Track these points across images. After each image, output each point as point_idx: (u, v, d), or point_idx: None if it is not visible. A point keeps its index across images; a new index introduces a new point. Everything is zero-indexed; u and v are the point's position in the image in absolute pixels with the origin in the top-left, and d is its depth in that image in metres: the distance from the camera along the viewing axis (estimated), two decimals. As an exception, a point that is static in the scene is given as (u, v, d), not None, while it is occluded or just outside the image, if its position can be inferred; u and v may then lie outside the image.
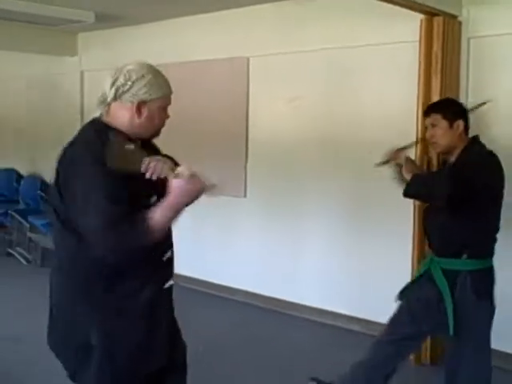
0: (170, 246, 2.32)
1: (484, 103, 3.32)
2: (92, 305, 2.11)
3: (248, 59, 5.27)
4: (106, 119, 2.16)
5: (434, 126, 2.94)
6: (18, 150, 7.88)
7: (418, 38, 3.96)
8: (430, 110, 3.02)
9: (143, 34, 6.10)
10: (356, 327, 4.69)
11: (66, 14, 5.42)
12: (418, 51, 3.96)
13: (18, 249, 6.97)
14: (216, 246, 5.65)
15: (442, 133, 2.91)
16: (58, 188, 2.06)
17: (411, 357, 4.08)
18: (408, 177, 2.95)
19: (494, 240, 2.95)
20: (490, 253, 2.94)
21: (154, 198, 2.09)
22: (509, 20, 3.86)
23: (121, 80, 2.08)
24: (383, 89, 4.47)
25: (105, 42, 6.50)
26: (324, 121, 4.84)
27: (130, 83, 2.07)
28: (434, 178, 3.07)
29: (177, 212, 2.05)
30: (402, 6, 3.72)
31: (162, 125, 2.21)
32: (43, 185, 7.14)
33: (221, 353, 4.28)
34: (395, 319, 3.10)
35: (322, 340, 4.59)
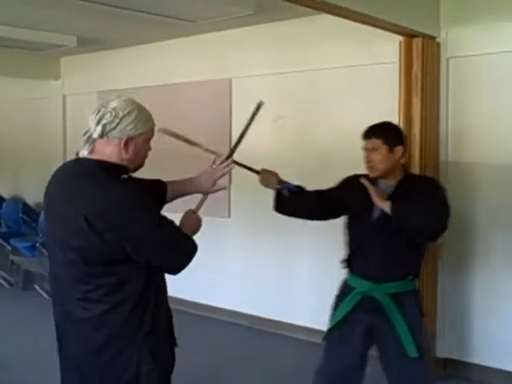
0: None
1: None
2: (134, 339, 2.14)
3: (230, 81, 5.29)
4: (92, 157, 2.15)
5: (373, 150, 2.85)
6: (0, 172, 7.80)
7: (397, 59, 4.00)
8: (371, 133, 2.90)
9: (125, 58, 6.11)
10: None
11: (49, 39, 5.42)
12: (398, 72, 3.99)
13: (0, 272, 6.86)
14: (201, 267, 5.54)
15: (382, 158, 2.83)
16: (94, 231, 2.01)
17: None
18: (385, 207, 2.74)
19: None
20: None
21: None
22: (486, 40, 3.91)
23: (107, 117, 2.08)
24: (364, 109, 4.49)
25: (87, 65, 6.49)
26: (307, 141, 4.86)
27: (117, 120, 2.08)
28: (421, 211, 2.75)
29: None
30: (381, 28, 3.75)
31: (146, 157, 2.25)
32: (25, 207, 7.06)
33: (208, 374, 4.23)
34: None
35: (311, 359, 4.52)
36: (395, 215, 2.72)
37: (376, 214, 2.85)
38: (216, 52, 5.33)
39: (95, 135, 2.11)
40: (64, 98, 6.83)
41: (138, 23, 4.90)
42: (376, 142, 2.85)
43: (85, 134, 2.15)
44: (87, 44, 5.78)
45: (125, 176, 2.12)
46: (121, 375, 2.14)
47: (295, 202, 3.21)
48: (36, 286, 6.38)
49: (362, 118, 4.47)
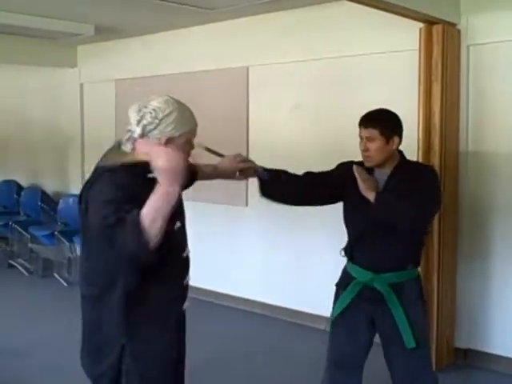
0: (187, 243, 2.39)
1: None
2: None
3: (247, 69, 5.25)
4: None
5: (370, 139, 2.76)
6: (19, 161, 7.85)
7: (417, 47, 3.94)
8: (367, 123, 2.79)
9: (142, 46, 6.09)
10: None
11: (66, 28, 5.42)
12: (418, 59, 3.93)
13: (19, 260, 6.93)
14: (218, 256, 5.60)
15: (378, 148, 2.75)
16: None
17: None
18: (370, 196, 2.71)
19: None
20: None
21: (178, 224, 2.23)
22: (507, 27, 3.85)
23: (147, 118, 2.07)
24: (384, 97, 4.38)
25: (104, 53, 6.48)
26: (325, 128, 4.81)
27: (156, 121, 2.07)
28: (403, 206, 2.68)
29: (168, 200, 1.91)
30: (401, 15, 3.70)
31: (188, 156, 2.22)
32: (44, 196, 7.10)
33: (222, 363, 4.23)
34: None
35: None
36: (375, 207, 2.69)
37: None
38: (233, 40, 5.29)
39: (135, 135, 2.10)
40: (81, 85, 6.83)
41: (155, 11, 4.88)
42: (373, 132, 2.75)
43: (128, 131, 2.14)
44: (104, 32, 5.76)
45: (150, 175, 1.97)
46: (104, 363, 2.16)
47: (284, 186, 3.02)
48: (55, 274, 6.42)
49: (382, 106, 4.44)
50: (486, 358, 4.10)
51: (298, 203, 3.17)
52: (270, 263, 5.22)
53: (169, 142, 2.09)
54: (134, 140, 2.12)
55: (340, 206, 4.65)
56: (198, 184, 5.46)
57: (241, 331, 4.91)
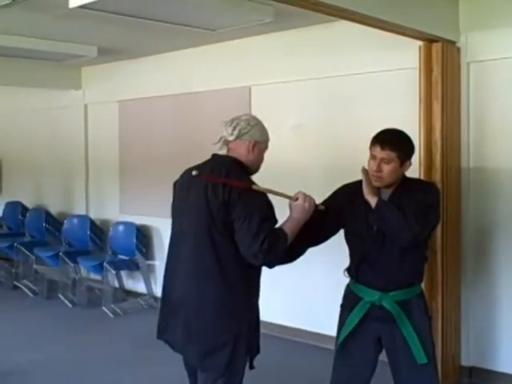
0: None
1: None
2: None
3: (250, 88, 5.29)
4: (229, 154, 2.81)
5: (384, 161, 2.71)
6: (24, 182, 7.89)
7: (417, 65, 3.97)
8: (385, 144, 2.74)
9: (145, 67, 6.15)
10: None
11: (70, 49, 5.49)
12: (418, 77, 3.96)
13: (24, 281, 6.93)
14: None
15: (391, 171, 2.72)
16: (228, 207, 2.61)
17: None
18: (372, 201, 2.73)
19: None
20: None
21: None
22: (507, 44, 3.87)
23: (242, 124, 2.74)
24: (385, 115, 4.45)
25: (108, 75, 6.55)
26: (327, 147, 4.83)
27: (249, 127, 2.75)
28: (403, 220, 2.68)
29: (299, 226, 2.74)
30: (400, 33, 3.73)
31: (262, 162, 2.87)
32: (48, 217, 7.13)
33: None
34: None
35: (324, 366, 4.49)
36: (375, 212, 2.71)
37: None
38: (235, 60, 5.34)
39: (231, 138, 2.75)
40: (85, 107, 6.89)
41: (157, 33, 4.94)
42: (390, 155, 2.71)
43: (219, 141, 2.82)
44: (108, 54, 5.83)
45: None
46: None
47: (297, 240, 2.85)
48: (59, 295, 6.43)
49: (383, 124, 4.46)
50: (491, 376, 4.07)
51: (316, 244, 3.04)
52: (269, 280, 5.16)
53: (255, 145, 2.76)
54: (228, 142, 2.77)
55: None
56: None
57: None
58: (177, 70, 5.83)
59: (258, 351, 2.85)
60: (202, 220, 2.65)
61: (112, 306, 6.00)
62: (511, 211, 3.96)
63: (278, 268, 2.80)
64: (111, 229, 6.41)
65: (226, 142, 2.80)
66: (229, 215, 2.59)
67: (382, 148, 2.73)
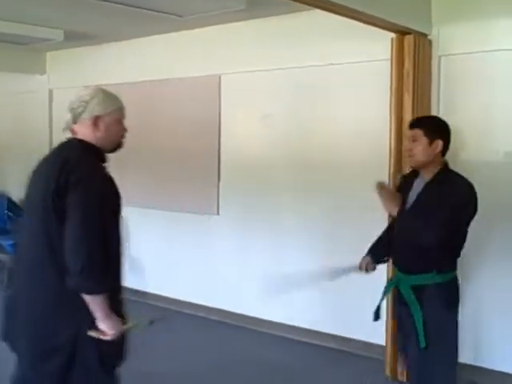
0: None
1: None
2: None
3: (219, 77, 5.22)
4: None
5: (414, 140, 2.97)
6: (-15, 169, 7.69)
7: (389, 56, 3.96)
8: (414, 124, 3.05)
9: (112, 53, 6.03)
10: (332, 344, 4.64)
11: (35, 33, 5.33)
12: (390, 69, 3.95)
13: (-16, 270, 6.76)
14: (189, 266, 5.55)
15: (421, 149, 2.94)
16: (57, 201, 2.24)
17: (387, 373, 4.05)
18: (394, 212, 2.96)
19: (459, 255, 3.03)
20: (455, 266, 3.02)
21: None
22: (478, 38, 3.87)
23: (76, 104, 2.40)
24: (355, 106, 4.45)
25: (73, 60, 6.40)
26: (296, 138, 4.80)
27: (84, 104, 2.38)
28: (422, 226, 2.85)
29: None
30: (373, 24, 3.70)
31: (122, 137, 2.52)
32: (10, 204, 6.94)
33: (194, 374, 4.17)
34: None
35: (308, 360, 4.52)
36: (398, 222, 2.99)
37: (407, 206, 2.98)
38: (205, 48, 5.26)
39: (69, 122, 2.43)
40: (50, 92, 6.74)
41: (125, 17, 4.82)
42: (417, 132, 2.96)
43: (64, 129, 2.48)
44: (74, 38, 5.68)
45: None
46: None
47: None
48: (21, 284, 6.28)
49: (354, 115, 4.49)
50: (482, 372, 4.02)
51: None
52: (243, 274, 5.16)
53: (98, 120, 2.39)
54: (70, 128, 2.44)
55: (315, 213, 4.68)
56: (168, 193, 5.47)
57: (213, 342, 4.85)
58: (144, 57, 5.73)
59: (118, 357, 2.42)
60: (39, 208, 2.31)
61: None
62: (484, 204, 3.96)
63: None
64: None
65: (70, 128, 2.45)
66: (64, 201, 2.22)
67: (411, 128, 3.03)
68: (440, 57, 4.02)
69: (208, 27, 5.11)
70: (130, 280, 6.00)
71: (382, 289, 3.81)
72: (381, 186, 3.01)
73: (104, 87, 2.46)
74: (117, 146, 2.51)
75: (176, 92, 5.56)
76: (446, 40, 3.97)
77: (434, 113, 4.03)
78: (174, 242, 5.67)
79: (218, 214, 5.32)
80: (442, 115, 4.00)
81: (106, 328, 2.24)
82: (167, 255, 5.72)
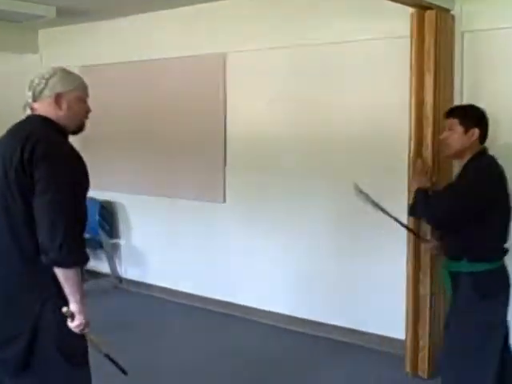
0: None
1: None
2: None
3: (225, 55, 5.10)
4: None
5: (450, 129, 3.11)
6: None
7: (408, 33, 3.83)
8: (449, 113, 3.18)
9: (108, 31, 5.90)
10: (345, 338, 4.57)
11: (26, 9, 5.19)
12: (410, 47, 3.82)
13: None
14: (194, 256, 5.46)
15: (456, 137, 3.08)
16: (22, 176, 2.21)
17: (407, 369, 3.97)
18: (412, 188, 3.25)
19: (497, 245, 3.07)
20: (492, 256, 3.04)
21: None
22: (504, 13, 3.74)
23: (35, 81, 2.39)
24: (372, 87, 4.33)
25: (67, 38, 6.25)
26: (307, 120, 4.69)
27: (44, 81, 2.37)
28: (434, 200, 3.21)
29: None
30: (391, -1, 3.57)
31: (85, 117, 2.52)
32: None
33: (199, 364, 4.15)
34: None
35: (320, 355, 4.44)
36: (410, 205, 3.34)
37: None
38: (209, 24, 5.12)
39: (30, 100, 2.40)
40: (43, 72, 6.59)
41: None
42: (452, 122, 3.10)
43: (24, 108, 2.44)
44: (67, 15, 5.53)
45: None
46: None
47: None
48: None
49: (370, 97, 4.36)
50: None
51: None
52: (252, 267, 5.08)
53: (59, 97, 2.38)
54: (30, 106, 2.41)
55: (328, 198, 4.58)
56: (170, 179, 5.27)
57: (217, 334, 4.78)
58: (145, 34, 5.58)
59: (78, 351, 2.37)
60: (2, 185, 2.28)
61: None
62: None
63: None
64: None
65: (29, 106, 2.43)
66: (29, 176, 2.20)
67: (447, 117, 3.17)
68: (463, 33, 3.90)
69: (212, 2, 4.96)
70: (130, 271, 6.09)
71: (398, 280, 3.97)
72: (418, 163, 3.44)
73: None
74: (79, 126, 2.51)
75: (178, 71, 5.43)
76: (470, 15, 3.85)
77: (456, 94, 3.94)
78: (176, 233, 5.57)
79: (224, 201, 5.22)
80: (466, 96, 3.94)
81: (76, 310, 2.24)
82: (170, 245, 5.63)
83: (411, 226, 3.71)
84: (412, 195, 3.42)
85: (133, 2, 5.12)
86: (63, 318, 2.23)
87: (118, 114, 5.87)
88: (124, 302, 5.55)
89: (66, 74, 2.43)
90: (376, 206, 3.37)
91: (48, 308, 2.24)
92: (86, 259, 2.27)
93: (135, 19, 5.61)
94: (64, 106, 2.38)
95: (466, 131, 3.06)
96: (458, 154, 3.13)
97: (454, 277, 3.07)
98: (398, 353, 4.08)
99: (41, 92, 2.37)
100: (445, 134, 3.16)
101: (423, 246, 3.74)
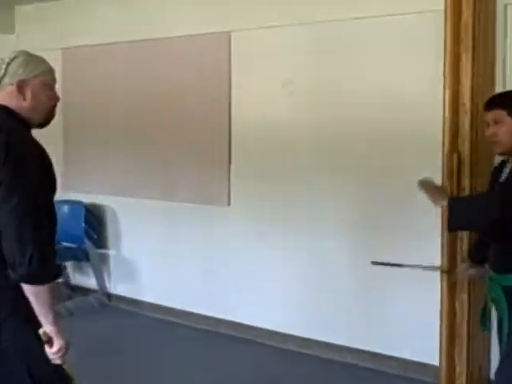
0: None
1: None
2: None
3: (229, 35, 5.17)
4: None
5: (496, 122, 3.02)
6: None
7: (442, 6, 3.82)
8: (492, 103, 3.09)
9: (97, 5, 5.98)
10: (368, 363, 4.61)
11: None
12: (444, 22, 3.83)
13: None
14: (193, 269, 5.51)
15: (506, 131, 3.00)
16: None
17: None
18: (443, 202, 3.09)
19: None
20: None
21: None
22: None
23: None
24: (398, 70, 4.38)
25: (47, 16, 6.36)
26: (324, 110, 4.76)
27: (4, 66, 2.38)
28: (481, 201, 3.13)
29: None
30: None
31: (53, 106, 2.52)
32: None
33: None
34: None
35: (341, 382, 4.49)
36: (449, 217, 3.02)
37: None
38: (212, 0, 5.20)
39: None
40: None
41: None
42: (499, 113, 3.01)
43: None
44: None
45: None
46: None
47: None
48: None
49: (397, 82, 4.41)
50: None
51: None
52: (257, 278, 5.15)
53: (23, 85, 2.38)
54: None
55: (345, 203, 4.62)
56: (167, 178, 5.33)
57: (223, 358, 4.86)
58: (137, 11, 5.68)
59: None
60: None
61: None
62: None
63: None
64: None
65: None
66: None
67: (489, 109, 3.07)
68: (506, 5, 3.94)
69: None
70: (120, 287, 6.16)
71: (430, 297, 3.97)
72: (422, 183, 3.18)
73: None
74: (46, 117, 2.51)
75: (176, 54, 5.51)
76: (515, -16, 3.89)
77: (499, 76, 3.96)
78: (174, 240, 5.63)
79: (228, 204, 5.29)
80: (510, 79, 3.95)
81: (53, 332, 2.28)
82: (167, 256, 5.69)
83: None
84: (441, 209, 3.41)
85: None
86: (28, 343, 2.27)
87: (106, 104, 5.97)
88: (113, 322, 5.60)
89: (29, 57, 2.43)
90: (399, 265, 3.58)
91: (8, 329, 2.27)
92: (59, 273, 2.31)
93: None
94: (28, 95, 2.39)
95: None
96: (511, 151, 3.05)
97: (507, 291, 3.02)
98: (432, 381, 4.13)
99: (0, 79, 2.38)
100: (492, 130, 3.05)
101: (462, 273, 3.68)
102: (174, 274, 5.63)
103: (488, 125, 3.09)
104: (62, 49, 6.25)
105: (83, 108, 6.19)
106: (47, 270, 2.22)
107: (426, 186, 3.17)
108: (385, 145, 4.50)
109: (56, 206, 5.77)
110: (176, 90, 5.50)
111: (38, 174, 2.24)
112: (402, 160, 4.39)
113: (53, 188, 2.34)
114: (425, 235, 4.17)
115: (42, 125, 2.50)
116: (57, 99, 2.52)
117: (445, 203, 3.06)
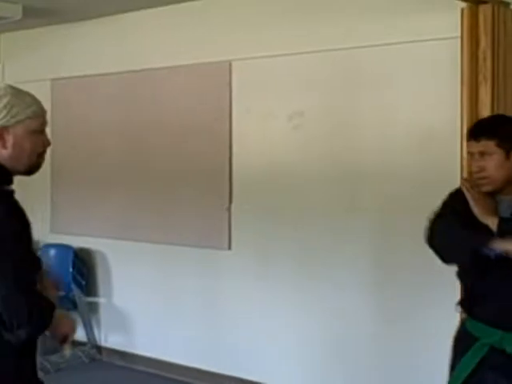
0: None
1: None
2: None
3: (230, 64, 5.24)
4: None
5: (483, 154, 2.83)
6: None
7: (459, 34, 3.92)
8: (479, 133, 2.88)
9: (88, 34, 6.06)
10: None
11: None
12: (460, 50, 3.91)
13: None
14: (190, 319, 5.52)
15: (496, 166, 2.82)
16: None
17: None
18: (491, 223, 2.77)
19: None
20: None
21: None
22: None
23: None
24: (414, 101, 4.42)
25: (36, 44, 6.45)
26: (335, 144, 4.79)
27: None
28: None
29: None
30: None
31: (40, 154, 2.41)
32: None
33: None
34: None
35: None
36: (498, 238, 2.71)
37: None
38: (210, 26, 5.28)
39: None
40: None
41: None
42: (487, 145, 2.82)
43: None
44: (36, 15, 5.73)
45: (9, 188, 2.31)
46: None
47: None
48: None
49: (413, 112, 4.45)
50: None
51: None
52: (264, 331, 5.15)
53: (3, 132, 2.28)
54: None
55: (358, 248, 4.65)
56: (163, 221, 5.38)
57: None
58: (131, 39, 5.76)
59: None
60: None
61: (39, 359, 5.86)
62: None
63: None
64: (39, 253, 6.28)
65: None
66: None
67: (477, 139, 2.85)
68: (527, 32, 3.98)
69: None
70: (111, 339, 6.15)
71: (437, 344, 3.91)
72: (468, 182, 2.93)
73: (20, 89, 2.44)
74: (32, 166, 2.42)
75: (173, 84, 5.58)
76: (535, 9, 3.95)
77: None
78: (171, 287, 5.64)
79: (229, 248, 5.31)
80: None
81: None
82: (163, 305, 5.71)
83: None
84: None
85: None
86: None
87: (98, 140, 6.02)
88: (104, 378, 5.59)
89: (14, 97, 2.33)
90: None
91: None
92: (53, 308, 2.34)
93: (118, 20, 5.80)
94: (9, 143, 2.29)
95: (508, 155, 2.81)
96: (501, 187, 2.85)
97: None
98: None
99: None
100: (478, 164, 2.84)
101: None
102: (171, 325, 5.63)
103: (472, 155, 2.90)
104: (50, 80, 6.33)
105: (73, 144, 6.22)
106: (46, 316, 2.28)
107: (474, 194, 2.85)
108: (412, 183, 4.50)
109: (43, 250, 5.82)
110: (171, 126, 5.56)
111: (14, 230, 2.23)
112: (419, 196, 4.35)
113: (29, 236, 2.32)
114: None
115: (31, 172, 2.43)
116: (46, 145, 2.42)
117: (493, 222, 2.76)
